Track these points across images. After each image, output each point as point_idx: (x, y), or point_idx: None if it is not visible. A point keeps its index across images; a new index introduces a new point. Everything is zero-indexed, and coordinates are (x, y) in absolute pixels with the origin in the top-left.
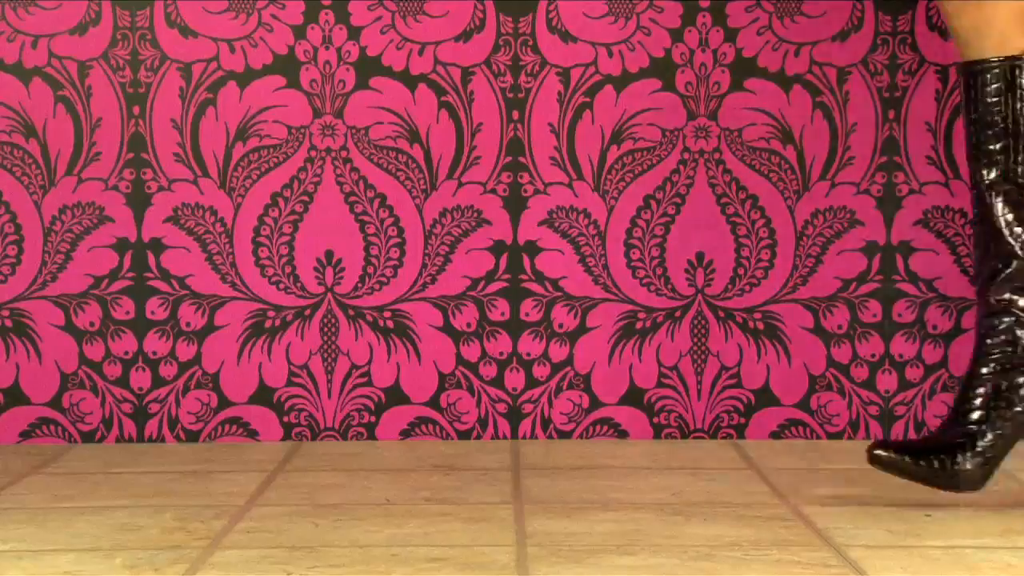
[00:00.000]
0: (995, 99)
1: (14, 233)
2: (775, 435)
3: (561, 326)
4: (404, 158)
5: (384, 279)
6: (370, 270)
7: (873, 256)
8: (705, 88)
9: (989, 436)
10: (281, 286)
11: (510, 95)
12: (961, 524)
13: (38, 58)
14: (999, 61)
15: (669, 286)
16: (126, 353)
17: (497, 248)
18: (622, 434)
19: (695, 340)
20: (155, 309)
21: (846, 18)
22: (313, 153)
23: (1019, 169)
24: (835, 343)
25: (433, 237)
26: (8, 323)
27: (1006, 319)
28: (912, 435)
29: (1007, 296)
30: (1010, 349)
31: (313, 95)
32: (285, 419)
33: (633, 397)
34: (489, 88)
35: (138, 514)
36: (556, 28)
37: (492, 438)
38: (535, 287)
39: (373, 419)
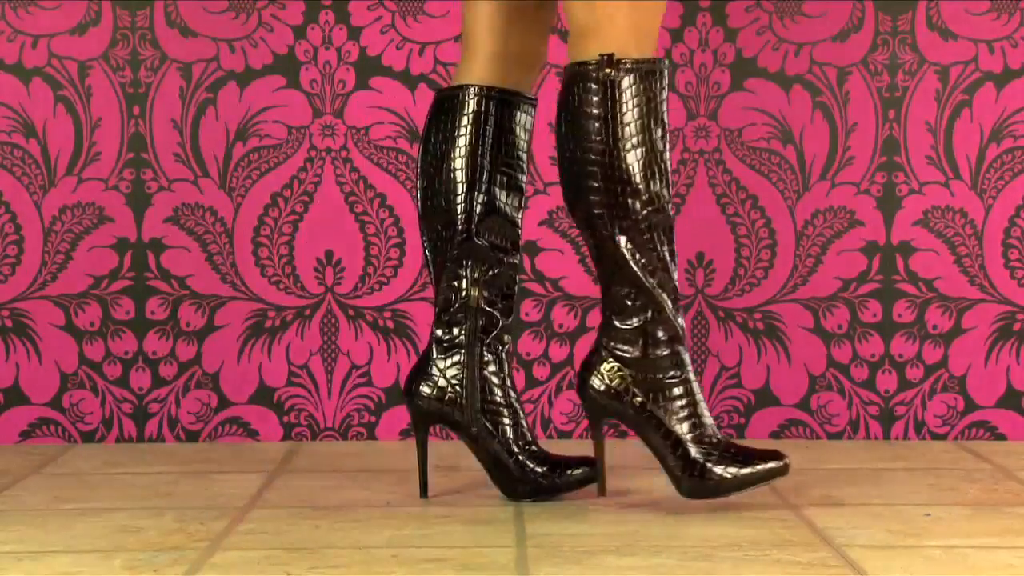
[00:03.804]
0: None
1: (14, 233)
2: (775, 435)
3: (561, 326)
4: (404, 158)
5: (384, 279)
6: (370, 270)
7: (873, 256)
8: (705, 88)
9: None
10: (281, 286)
11: None
12: (961, 524)
13: (38, 58)
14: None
15: None
16: (126, 353)
17: None
18: (622, 434)
19: (695, 340)
20: (155, 309)
21: (846, 18)
22: (313, 153)
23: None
24: (835, 343)
25: None
26: (8, 323)
27: None
28: (912, 435)
29: None
30: None
31: (313, 95)
32: (285, 419)
33: None
34: None
35: (138, 515)
36: (556, 28)
37: None
38: (535, 287)
39: (373, 419)
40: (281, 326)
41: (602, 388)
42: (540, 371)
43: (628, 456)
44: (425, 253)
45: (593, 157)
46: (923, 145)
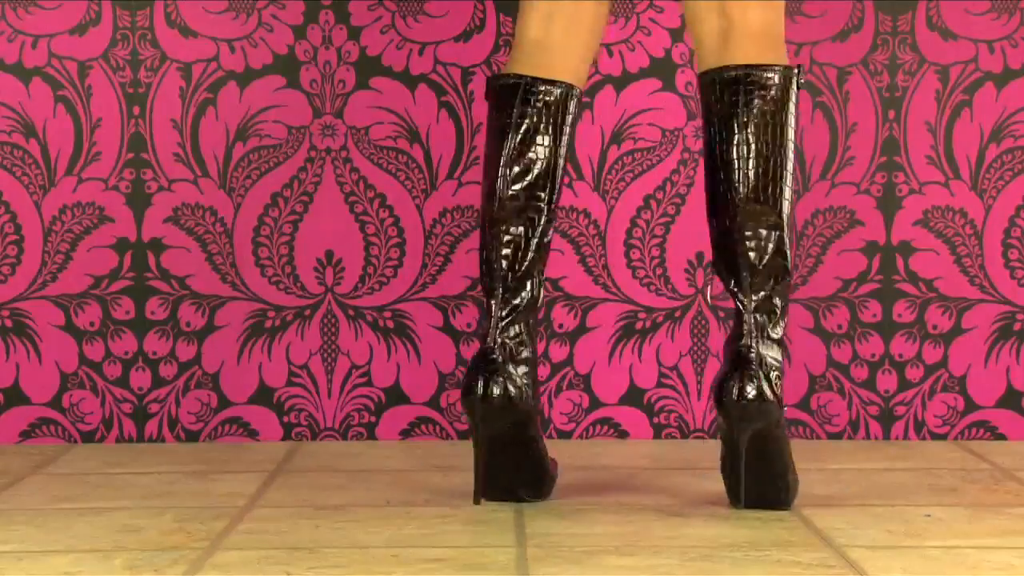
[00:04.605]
0: None
1: (14, 233)
2: None
3: (561, 326)
4: (404, 158)
5: (384, 279)
6: (370, 270)
7: (873, 256)
8: None
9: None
10: (281, 286)
11: None
12: (961, 524)
13: (38, 58)
14: None
15: (669, 286)
16: (126, 353)
17: None
18: (622, 434)
19: (695, 340)
20: (155, 309)
21: (846, 18)
22: (313, 153)
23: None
24: (835, 343)
25: (433, 237)
26: (8, 323)
27: None
28: (912, 435)
29: None
30: None
31: (313, 95)
32: (285, 419)
33: (633, 397)
34: None
35: (138, 515)
36: None
37: None
38: None
39: (373, 419)
40: (281, 326)
41: (760, 395)
42: (540, 371)
43: (628, 456)
44: (492, 242)
45: (735, 158)
46: (923, 145)
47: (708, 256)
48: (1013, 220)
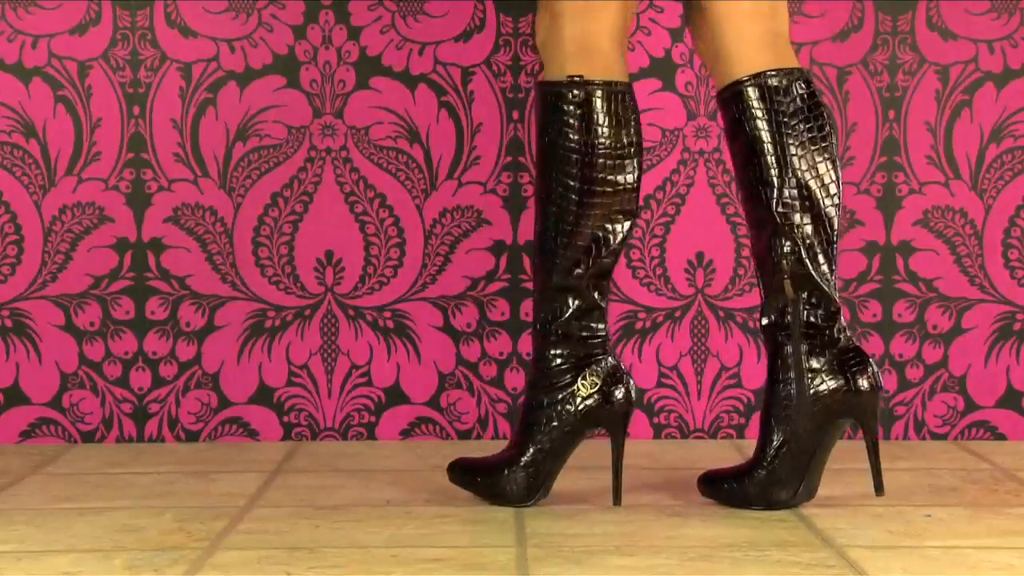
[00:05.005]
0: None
1: (14, 233)
2: None
3: None
4: (404, 158)
5: (384, 279)
6: (370, 270)
7: (873, 256)
8: (705, 88)
9: (531, 451)
10: (281, 286)
11: (511, 95)
12: (961, 524)
13: (38, 58)
14: None
15: (669, 286)
16: (126, 353)
17: (497, 248)
18: None
19: (695, 340)
20: (155, 309)
21: (846, 18)
22: (313, 153)
23: None
24: None
25: (433, 237)
26: (8, 323)
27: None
28: (912, 435)
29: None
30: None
31: (313, 95)
32: (285, 419)
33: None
34: (489, 88)
35: (138, 515)
36: None
37: (492, 438)
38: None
39: (373, 419)
40: (281, 326)
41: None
42: None
43: (628, 456)
44: (621, 247)
45: (832, 158)
46: (923, 145)
47: (708, 255)
48: (1013, 220)
